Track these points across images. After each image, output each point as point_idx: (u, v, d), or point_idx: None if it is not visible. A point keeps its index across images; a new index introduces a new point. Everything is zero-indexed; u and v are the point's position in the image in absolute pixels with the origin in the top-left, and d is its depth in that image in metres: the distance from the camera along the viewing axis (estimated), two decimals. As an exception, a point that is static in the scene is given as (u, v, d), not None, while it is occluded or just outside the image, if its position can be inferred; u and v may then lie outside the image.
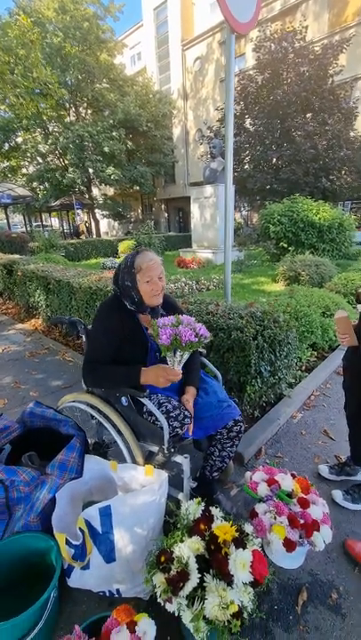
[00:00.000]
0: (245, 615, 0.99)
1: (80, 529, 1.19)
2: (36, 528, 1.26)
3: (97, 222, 21.82)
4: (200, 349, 1.65)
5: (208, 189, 9.46)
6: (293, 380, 2.81)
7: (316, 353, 3.39)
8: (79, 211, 20.15)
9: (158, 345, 1.30)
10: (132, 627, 0.95)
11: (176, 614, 0.99)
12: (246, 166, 14.14)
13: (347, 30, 14.12)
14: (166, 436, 1.32)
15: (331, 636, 1.16)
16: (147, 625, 0.96)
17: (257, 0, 2.52)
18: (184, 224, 23.86)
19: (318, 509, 1.35)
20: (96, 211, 21.88)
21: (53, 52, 15.72)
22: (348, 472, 1.82)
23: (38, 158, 19.20)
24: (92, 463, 1.43)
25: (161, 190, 24.55)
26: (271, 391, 2.46)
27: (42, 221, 27.44)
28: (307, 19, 14.85)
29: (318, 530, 1.30)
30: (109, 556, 1.21)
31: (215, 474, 1.62)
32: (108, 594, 1.26)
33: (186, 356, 1.32)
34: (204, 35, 19.80)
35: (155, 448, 1.44)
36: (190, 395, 1.47)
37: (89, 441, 1.60)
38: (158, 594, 1.02)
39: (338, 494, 1.70)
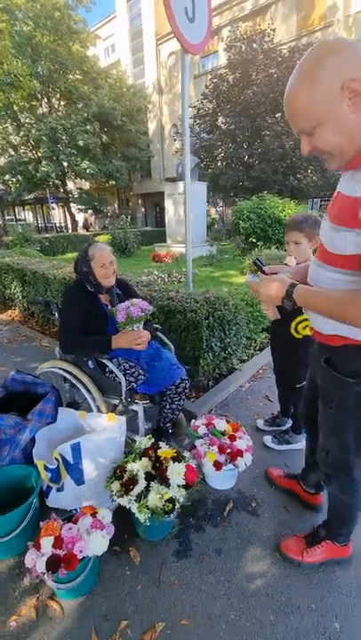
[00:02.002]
0: (177, 505, 1.37)
1: (55, 458, 1.53)
2: (20, 462, 1.59)
3: (72, 217, 21.63)
4: (155, 325, 2.05)
5: (181, 186, 9.79)
6: (246, 357, 3.24)
7: (269, 335, 3.83)
8: (53, 204, 19.92)
9: (118, 323, 1.67)
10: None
11: (127, 507, 1.37)
12: (219, 163, 14.56)
13: (313, 34, 14.77)
14: (124, 389, 1.68)
15: (246, 528, 1.58)
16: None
17: (208, 23, 2.86)
18: (161, 219, 24.02)
19: (243, 442, 1.75)
20: (72, 205, 21.66)
21: (24, 40, 15.37)
22: (278, 423, 2.27)
23: (10, 150, 18.76)
24: (66, 414, 1.76)
25: (137, 185, 24.57)
26: (224, 365, 2.86)
27: (15, 215, 26.78)
28: (275, 20, 15.34)
29: (242, 456, 1.70)
30: (79, 480, 1.56)
31: (168, 424, 2.00)
32: (79, 510, 1.60)
33: (140, 325, 1.69)
34: (177, 30, 19.85)
35: (117, 401, 1.79)
36: None
37: (63, 402, 1.94)
38: (114, 493, 1.39)
39: (268, 439, 2.13)
